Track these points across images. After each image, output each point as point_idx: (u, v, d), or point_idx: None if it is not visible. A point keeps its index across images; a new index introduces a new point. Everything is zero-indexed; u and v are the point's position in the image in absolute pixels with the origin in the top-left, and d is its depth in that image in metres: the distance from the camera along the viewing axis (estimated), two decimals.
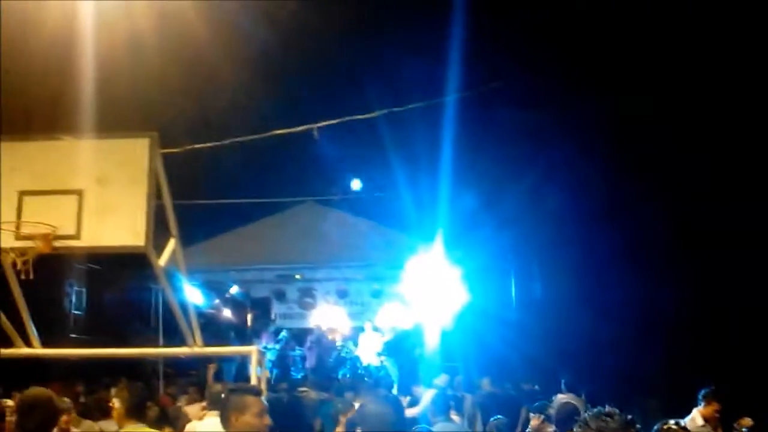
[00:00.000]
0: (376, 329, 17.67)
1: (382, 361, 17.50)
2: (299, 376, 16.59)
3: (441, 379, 10.17)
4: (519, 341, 14.56)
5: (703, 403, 8.53)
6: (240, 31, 11.30)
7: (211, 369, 12.52)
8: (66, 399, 7.32)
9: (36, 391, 5.47)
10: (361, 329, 18.00)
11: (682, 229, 14.18)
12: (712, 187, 13.74)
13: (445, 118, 12.93)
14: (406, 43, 14.56)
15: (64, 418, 6.59)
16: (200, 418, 7.08)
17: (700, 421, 8.43)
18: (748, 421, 7.40)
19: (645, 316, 14.02)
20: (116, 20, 9.60)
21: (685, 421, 8.51)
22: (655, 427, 5.27)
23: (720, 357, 12.75)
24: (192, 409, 9.28)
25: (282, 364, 18.09)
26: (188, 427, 6.70)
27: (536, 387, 12.98)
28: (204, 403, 9.08)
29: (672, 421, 5.28)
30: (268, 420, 4.22)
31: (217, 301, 18.11)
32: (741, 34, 12.06)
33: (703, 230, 13.91)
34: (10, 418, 5.63)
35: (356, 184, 15.59)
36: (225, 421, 4.21)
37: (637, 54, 13.22)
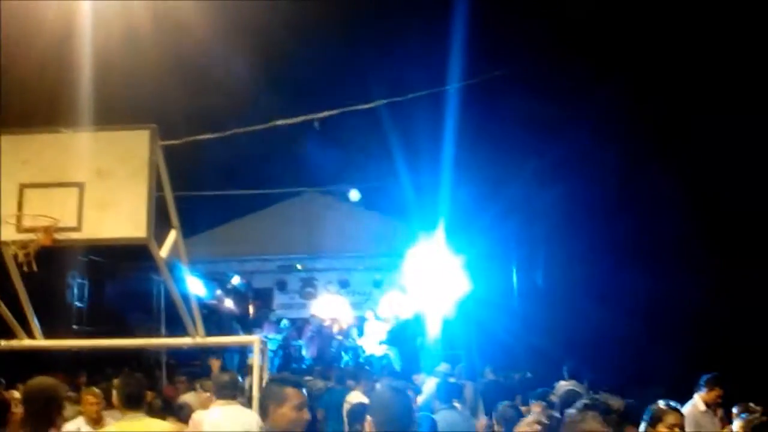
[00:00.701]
0: (378, 318, 17.71)
1: (385, 350, 17.56)
2: (303, 366, 16.62)
3: (442, 367, 10.18)
4: (521, 330, 14.59)
5: (705, 389, 8.48)
6: (240, 22, 11.26)
7: (215, 363, 12.54)
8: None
9: (41, 379, 5.52)
10: (363, 319, 18.04)
11: (690, 219, 14.13)
12: (724, 176, 13.69)
13: (448, 106, 12.89)
14: (407, 31, 14.51)
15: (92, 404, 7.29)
16: (206, 407, 7.09)
17: (702, 407, 8.41)
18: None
19: (649, 307, 14.03)
20: (115, 12, 9.59)
21: (687, 406, 8.55)
22: (650, 407, 5.31)
23: (726, 349, 12.74)
24: (195, 399, 9.34)
25: (284, 353, 18.15)
26: (194, 416, 6.72)
27: (528, 375, 12.99)
28: (208, 393, 9.17)
29: (662, 402, 5.32)
30: (307, 414, 4.11)
31: (219, 291, 18.13)
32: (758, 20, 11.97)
33: (713, 221, 13.87)
34: (16, 410, 5.65)
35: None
36: (263, 411, 4.13)
37: (652, 39, 13.14)
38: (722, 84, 13.11)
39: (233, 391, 6.63)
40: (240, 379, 10.50)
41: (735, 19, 12.21)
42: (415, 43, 14.24)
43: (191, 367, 15.57)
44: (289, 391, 4.09)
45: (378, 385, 9.49)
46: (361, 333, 17.94)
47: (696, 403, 8.46)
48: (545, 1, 13.66)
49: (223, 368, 16.54)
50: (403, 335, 16.91)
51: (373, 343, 17.49)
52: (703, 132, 13.89)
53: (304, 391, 4.18)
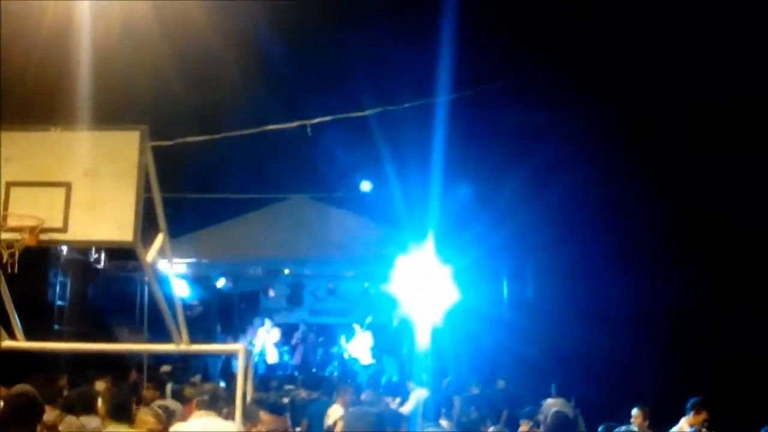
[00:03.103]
0: (365, 328, 17.62)
1: (375, 360, 17.49)
2: (287, 373, 16.51)
3: (421, 392, 9.76)
4: (510, 342, 14.51)
5: (692, 413, 8.53)
6: (234, 27, 11.18)
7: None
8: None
9: (21, 388, 5.43)
10: (350, 327, 17.96)
11: (681, 232, 14.11)
12: (714, 188, 13.66)
13: (438, 116, 12.88)
14: (398, 42, 14.49)
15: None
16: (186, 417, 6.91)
17: (687, 430, 8.42)
18: None
19: (640, 321, 13.96)
20: (110, 12, 9.47)
21: (674, 430, 8.53)
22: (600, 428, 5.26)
23: (714, 365, 12.73)
24: (178, 406, 9.17)
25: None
26: (172, 429, 6.54)
27: (502, 383, 13.00)
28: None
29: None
30: None
31: (203, 294, 17.98)
32: (740, 30, 12.00)
33: (703, 234, 13.84)
34: None
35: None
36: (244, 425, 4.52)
37: (636, 53, 13.16)
38: (699, 90, 13.12)
39: (215, 403, 6.46)
40: (223, 385, 10.39)
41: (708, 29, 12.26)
42: (408, 53, 14.21)
43: (174, 368, 15.42)
44: (263, 415, 4.21)
45: (363, 396, 9.39)
46: (348, 340, 17.87)
47: (681, 428, 8.51)
48: (532, 15, 13.65)
49: (206, 372, 16.51)
50: (392, 344, 16.87)
51: (360, 353, 17.42)
52: (685, 142, 13.90)
53: (282, 418, 4.23)
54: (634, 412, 8.58)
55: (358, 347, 17.55)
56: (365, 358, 17.38)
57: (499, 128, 16.09)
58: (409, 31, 14.23)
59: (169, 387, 11.38)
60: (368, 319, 17.77)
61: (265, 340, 17.81)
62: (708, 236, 13.79)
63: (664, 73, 13.39)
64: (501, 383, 13.11)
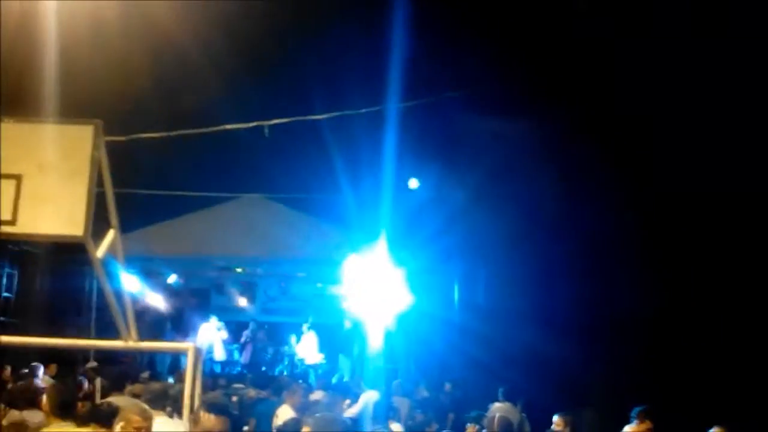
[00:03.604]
0: (309, 328, 17.62)
1: (321, 359, 17.50)
2: (235, 372, 16.45)
3: (371, 394, 9.71)
4: (461, 345, 14.61)
5: (636, 421, 8.69)
6: (194, 27, 11.12)
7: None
8: None
9: None
10: (300, 327, 17.94)
11: (634, 238, 14.31)
12: (665, 193, 13.88)
13: (391, 120, 12.95)
14: (352, 46, 14.56)
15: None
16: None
17: None
18: None
19: (590, 327, 14.12)
20: (70, 7, 9.35)
21: None
22: None
23: (660, 373, 12.95)
24: (125, 401, 9.07)
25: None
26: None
27: (448, 386, 13.13)
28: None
29: None
30: None
31: (154, 290, 17.78)
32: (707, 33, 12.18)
33: (657, 240, 14.05)
34: None
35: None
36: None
37: (594, 57, 13.32)
38: (658, 86, 13.29)
39: (163, 401, 6.43)
40: (170, 382, 10.30)
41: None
42: (362, 57, 14.28)
43: (120, 364, 15.23)
44: (202, 415, 4.21)
45: (313, 396, 9.39)
46: (298, 340, 17.85)
47: None
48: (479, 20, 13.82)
49: (153, 367, 16.34)
50: (344, 345, 16.89)
51: (306, 352, 17.41)
52: (642, 147, 14.10)
53: (221, 418, 4.24)
54: (555, 419, 8.62)
55: (305, 347, 17.56)
56: (311, 357, 17.40)
57: (453, 132, 16.21)
58: (363, 35, 14.29)
59: (98, 382, 11.25)
60: (309, 320, 17.80)
61: (213, 338, 17.70)
62: (662, 242, 14.00)
63: (622, 76, 13.55)
64: (447, 386, 13.23)
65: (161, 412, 6.29)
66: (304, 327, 17.76)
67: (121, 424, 5.09)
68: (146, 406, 5.16)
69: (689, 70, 12.61)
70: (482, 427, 7.57)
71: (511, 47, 14.18)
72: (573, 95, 14.19)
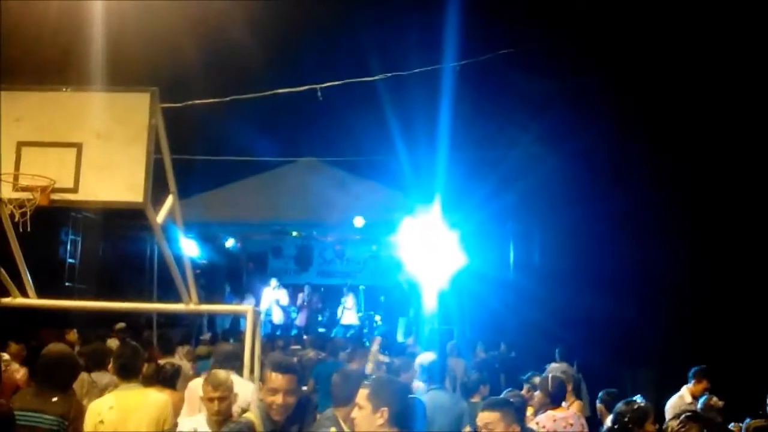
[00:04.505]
0: (350, 290, 17.86)
1: (378, 321, 17.69)
2: (293, 334, 16.69)
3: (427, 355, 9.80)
4: (516, 306, 14.59)
5: (693, 381, 8.69)
6: None
7: None
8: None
9: (58, 347, 5.58)
10: (356, 288, 18.15)
11: (688, 198, 14.06)
12: (722, 154, 13.60)
13: (446, 81, 12.84)
14: (410, 7, 14.44)
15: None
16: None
17: (688, 399, 8.57)
18: (717, 402, 7.51)
19: (644, 287, 13.94)
20: None
21: (674, 398, 8.65)
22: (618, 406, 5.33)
23: (717, 333, 12.79)
24: (185, 365, 9.32)
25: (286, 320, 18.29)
26: (192, 383, 6.65)
27: (503, 347, 13.17)
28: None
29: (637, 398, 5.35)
30: (282, 399, 4.33)
31: (213, 253, 18.11)
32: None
33: (711, 200, 13.79)
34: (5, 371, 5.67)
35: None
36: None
37: (641, 18, 13.06)
38: (705, 65, 13.04)
39: (235, 362, 6.58)
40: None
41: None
42: (417, 17, 14.17)
43: (183, 327, 15.61)
44: (269, 374, 4.31)
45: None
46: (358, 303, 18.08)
47: (683, 395, 8.66)
48: None
49: (213, 329, 16.69)
50: (398, 307, 17.00)
51: (347, 313, 17.72)
52: (688, 110, 13.84)
53: (288, 376, 4.32)
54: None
55: (344, 308, 17.90)
56: (348, 318, 17.68)
57: (506, 93, 16.05)
58: None
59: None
60: (348, 282, 18.07)
61: (271, 301, 17.98)
62: (719, 202, 13.73)
63: (666, 39, 13.28)
64: (503, 347, 13.26)
65: (231, 372, 6.42)
66: (344, 290, 18.04)
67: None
68: (221, 377, 5.22)
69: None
70: (533, 387, 7.56)
71: (567, 5, 13.92)
72: (626, 56, 13.93)
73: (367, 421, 3.71)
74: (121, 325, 12.56)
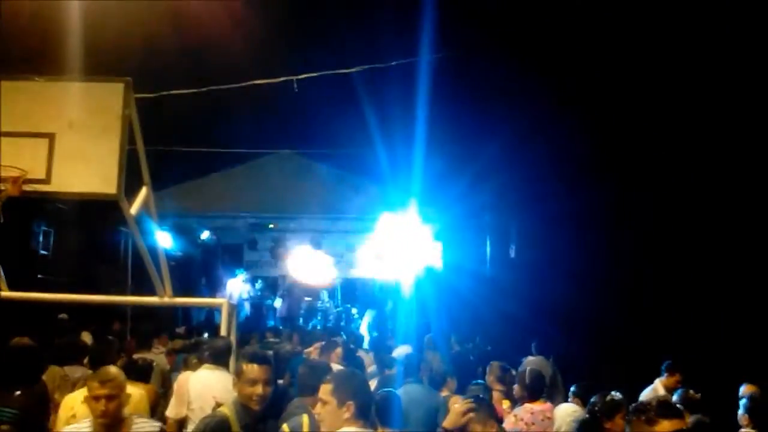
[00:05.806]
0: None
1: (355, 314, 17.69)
2: (270, 325, 16.64)
3: (403, 349, 9.81)
4: (493, 300, 14.62)
5: (666, 374, 8.77)
6: None
7: None
8: None
9: (22, 342, 5.53)
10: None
11: (664, 193, 14.13)
12: (695, 149, 13.67)
13: (422, 75, 12.85)
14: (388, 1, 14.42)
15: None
16: (194, 370, 6.91)
17: (661, 392, 8.63)
18: (693, 395, 7.59)
19: (622, 280, 14.05)
20: None
21: (647, 391, 8.72)
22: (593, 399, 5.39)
23: (693, 327, 12.87)
24: (160, 359, 9.24)
25: (257, 313, 18.23)
26: (181, 377, 6.59)
27: (488, 348, 13.22)
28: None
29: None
30: (261, 389, 4.32)
31: (188, 246, 17.99)
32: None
33: (686, 195, 13.86)
34: None
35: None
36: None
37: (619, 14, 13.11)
38: (679, 62, 13.11)
39: (226, 358, 6.53)
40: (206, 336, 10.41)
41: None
42: (393, 10, 14.13)
43: (157, 320, 15.47)
44: (246, 366, 4.31)
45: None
46: (331, 296, 18.05)
47: (656, 388, 8.72)
48: None
49: (189, 323, 16.57)
50: (375, 299, 16.99)
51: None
52: (663, 106, 13.90)
53: (264, 367, 4.32)
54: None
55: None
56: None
57: (483, 87, 16.07)
58: None
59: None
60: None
61: (240, 293, 17.96)
62: (689, 197, 13.81)
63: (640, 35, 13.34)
64: (477, 340, 13.30)
65: (221, 368, 6.36)
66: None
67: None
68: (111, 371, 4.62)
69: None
70: (489, 390, 7.51)
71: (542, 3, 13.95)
72: (604, 55, 13.98)
73: (332, 416, 3.71)
74: (63, 315, 12.48)
